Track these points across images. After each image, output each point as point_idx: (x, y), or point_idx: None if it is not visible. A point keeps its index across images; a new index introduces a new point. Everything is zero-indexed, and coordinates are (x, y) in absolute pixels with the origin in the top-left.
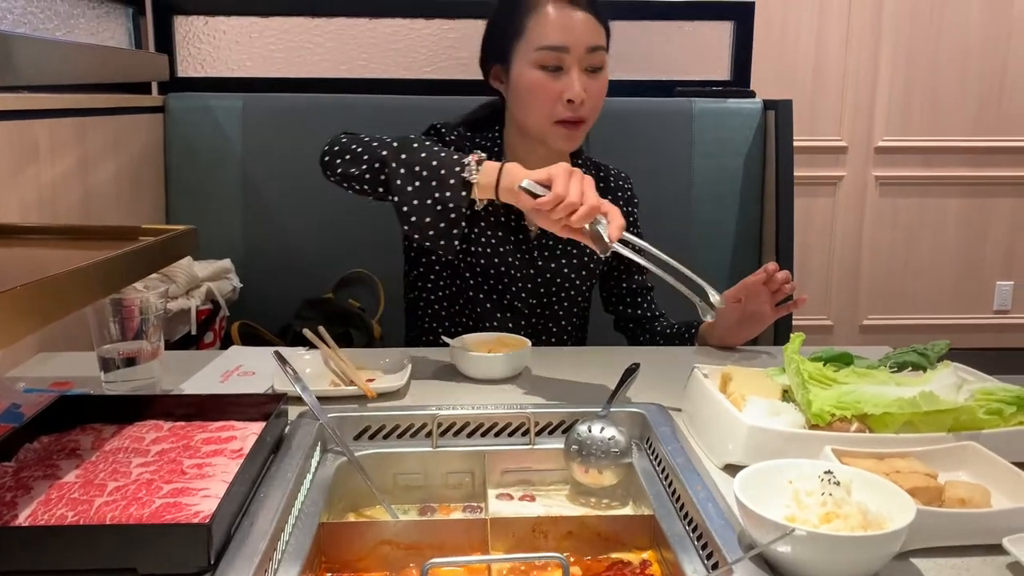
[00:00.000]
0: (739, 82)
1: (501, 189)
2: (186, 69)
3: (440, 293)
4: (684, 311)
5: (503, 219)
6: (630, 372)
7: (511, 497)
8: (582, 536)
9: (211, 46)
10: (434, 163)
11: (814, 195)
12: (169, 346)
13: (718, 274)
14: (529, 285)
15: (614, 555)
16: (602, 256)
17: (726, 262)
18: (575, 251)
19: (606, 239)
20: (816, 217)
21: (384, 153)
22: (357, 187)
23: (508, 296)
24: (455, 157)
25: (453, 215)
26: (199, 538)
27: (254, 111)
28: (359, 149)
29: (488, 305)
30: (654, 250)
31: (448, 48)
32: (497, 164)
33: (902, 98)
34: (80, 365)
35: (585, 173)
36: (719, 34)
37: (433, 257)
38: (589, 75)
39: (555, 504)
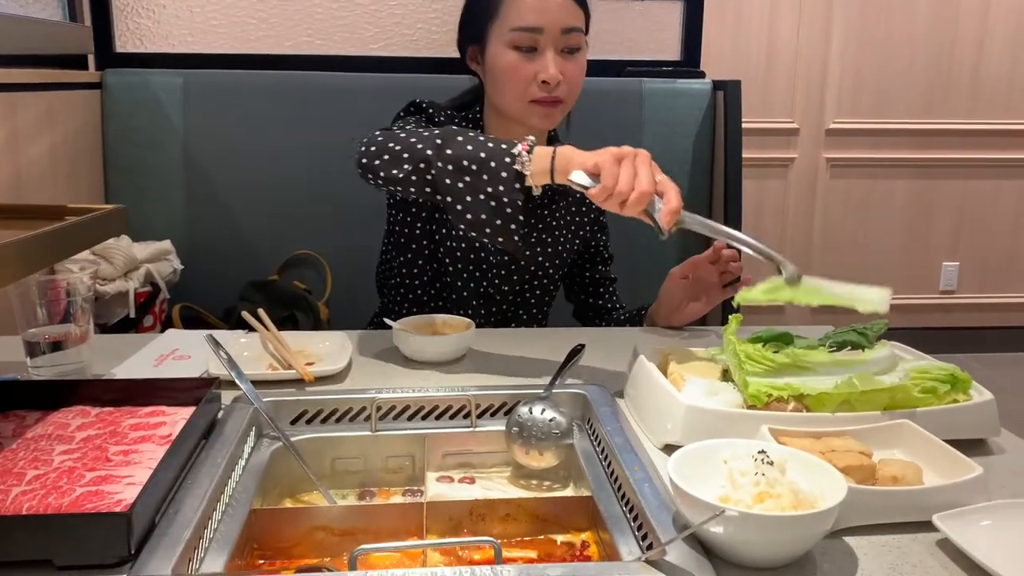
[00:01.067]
0: (689, 62)
1: (556, 174)
2: (124, 44)
3: (418, 280)
4: (634, 290)
5: None
6: (574, 353)
7: (451, 480)
8: (520, 518)
9: (151, 21)
10: (482, 155)
11: (766, 177)
12: (107, 329)
13: (667, 255)
14: (503, 272)
15: (552, 537)
16: (661, 238)
17: (675, 243)
18: (550, 240)
19: (661, 227)
20: (768, 199)
21: (428, 152)
22: (402, 189)
23: (484, 282)
24: (503, 147)
25: (509, 209)
26: (118, 527)
27: (195, 88)
28: (398, 148)
29: (465, 293)
30: (714, 224)
31: (395, 25)
32: (550, 149)
33: (852, 81)
34: (6, 350)
35: None
36: (669, 14)
37: (414, 246)
38: (565, 56)
39: (496, 487)
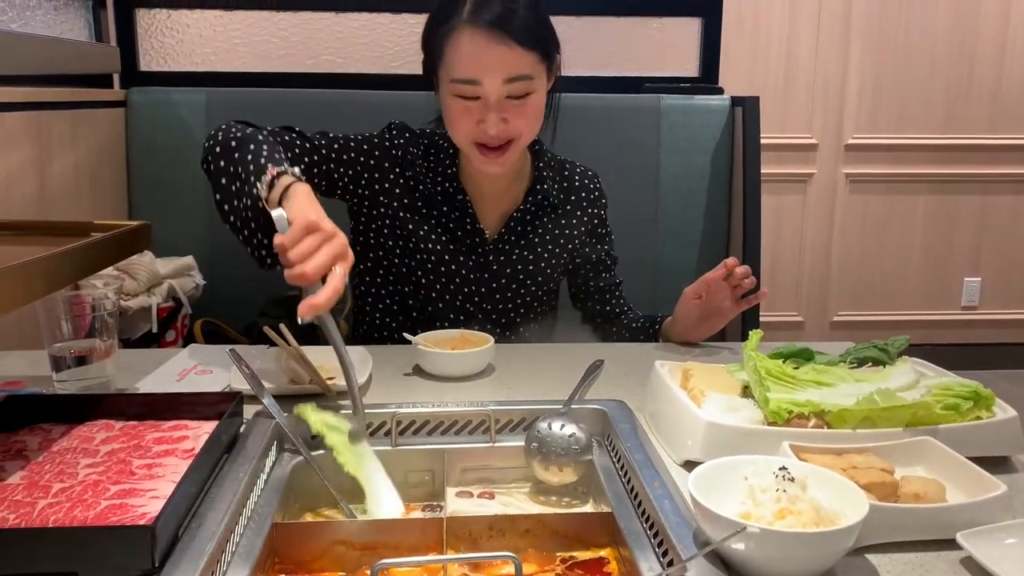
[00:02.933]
0: (707, 79)
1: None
2: (148, 63)
3: (390, 288)
4: (653, 305)
5: (454, 223)
6: (593, 369)
7: (471, 495)
8: (540, 534)
9: (174, 40)
10: (248, 168)
11: (785, 192)
12: (130, 344)
13: (685, 271)
14: (483, 289)
15: (572, 553)
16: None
17: (693, 259)
18: (532, 257)
19: (298, 310)
20: (787, 214)
21: (217, 150)
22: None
23: (460, 297)
24: (262, 163)
25: (252, 224)
26: (142, 540)
27: (218, 106)
28: (207, 143)
29: (440, 305)
30: (337, 338)
31: (415, 43)
32: (288, 182)
33: (871, 96)
34: (34, 364)
35: (546, 173)
36: (687, 30)
37: (385, 263)
38: (512, 101)
39: (515, 502)
